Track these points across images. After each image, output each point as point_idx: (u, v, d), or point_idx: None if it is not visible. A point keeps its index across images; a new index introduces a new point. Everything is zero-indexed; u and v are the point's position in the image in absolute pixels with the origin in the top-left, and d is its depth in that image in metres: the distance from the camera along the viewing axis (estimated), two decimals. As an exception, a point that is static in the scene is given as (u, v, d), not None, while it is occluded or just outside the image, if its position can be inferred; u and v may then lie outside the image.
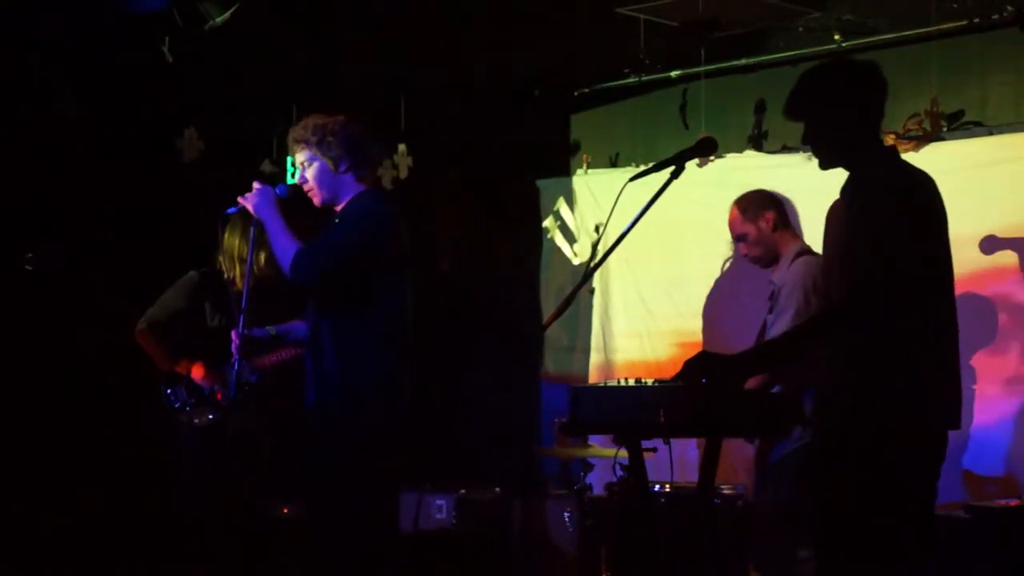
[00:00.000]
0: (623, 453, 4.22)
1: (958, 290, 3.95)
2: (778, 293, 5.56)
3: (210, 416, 6.13)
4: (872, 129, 3.96)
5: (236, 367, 4.93)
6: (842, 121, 3.92)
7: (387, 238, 4.75)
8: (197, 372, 6.14)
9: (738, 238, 5.78)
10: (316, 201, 4.83)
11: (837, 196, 3.98)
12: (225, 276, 6.20)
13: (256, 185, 4.81)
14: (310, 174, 4.78)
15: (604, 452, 6.18)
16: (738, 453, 6.19)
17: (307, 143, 4.78)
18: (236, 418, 5.94)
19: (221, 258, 6.23)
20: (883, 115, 4.00)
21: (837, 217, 3.98)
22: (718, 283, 7.30)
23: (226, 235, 6.17)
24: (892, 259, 3.71)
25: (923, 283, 3.79)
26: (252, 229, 4.87)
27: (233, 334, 4.91)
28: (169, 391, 6.20)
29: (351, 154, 4.79)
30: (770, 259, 5.68)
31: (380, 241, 4.74)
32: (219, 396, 6.11)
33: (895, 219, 3.74)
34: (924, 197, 3.85)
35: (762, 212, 5.69)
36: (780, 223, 5.70)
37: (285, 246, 4.69)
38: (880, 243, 3.72)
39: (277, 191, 4.83)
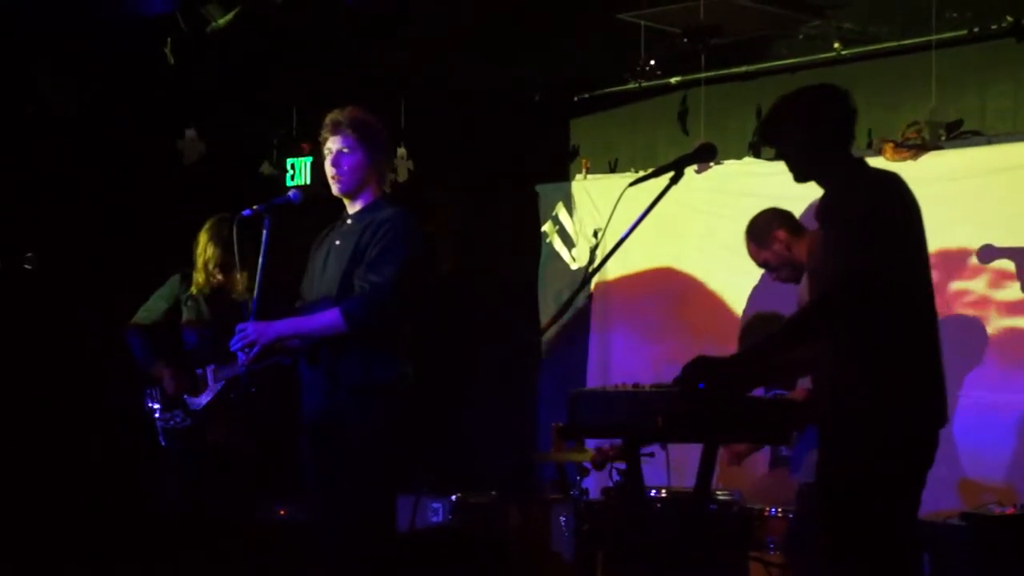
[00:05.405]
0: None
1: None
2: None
3: (179, 420, 6.11)
4: (839, 148, 4.04)
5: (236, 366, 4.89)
6: (808, 141, 4.02)
7: (425, 249, 4.81)
8: (166, 377, 6.10)
9: (763, 266, 5.66)
10: (339, 187, 4.77)
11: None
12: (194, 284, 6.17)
13: (243, 332, 4.65)
14: (349, 161, 4.74)
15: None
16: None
17: (355, 130, 4.73)
18: (205, 423, 6.00)
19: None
20: (852, 135, 4.08)
21: (817, 243, 4.03)
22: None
23: (202, 241, 6.15)
24: (865, 262, 3.76)
25: (899, 283, 3.83)
26: (265, 232, 4.74)
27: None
28: (146, 393, 6.19)
29: (385, 161, 4.89)
30: (798, 275, 5.46)
31: (422, 251, 4.78)
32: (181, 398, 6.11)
33: (864, 225, 3.80)
34: (891, 200, 3.91)
35: (772, 234, 5.52)
36: (792, 236, 5.51)
37: (321, 322, 4.64)
38: (853, 248, 3.78)
39: (291, 197, 4.81)
